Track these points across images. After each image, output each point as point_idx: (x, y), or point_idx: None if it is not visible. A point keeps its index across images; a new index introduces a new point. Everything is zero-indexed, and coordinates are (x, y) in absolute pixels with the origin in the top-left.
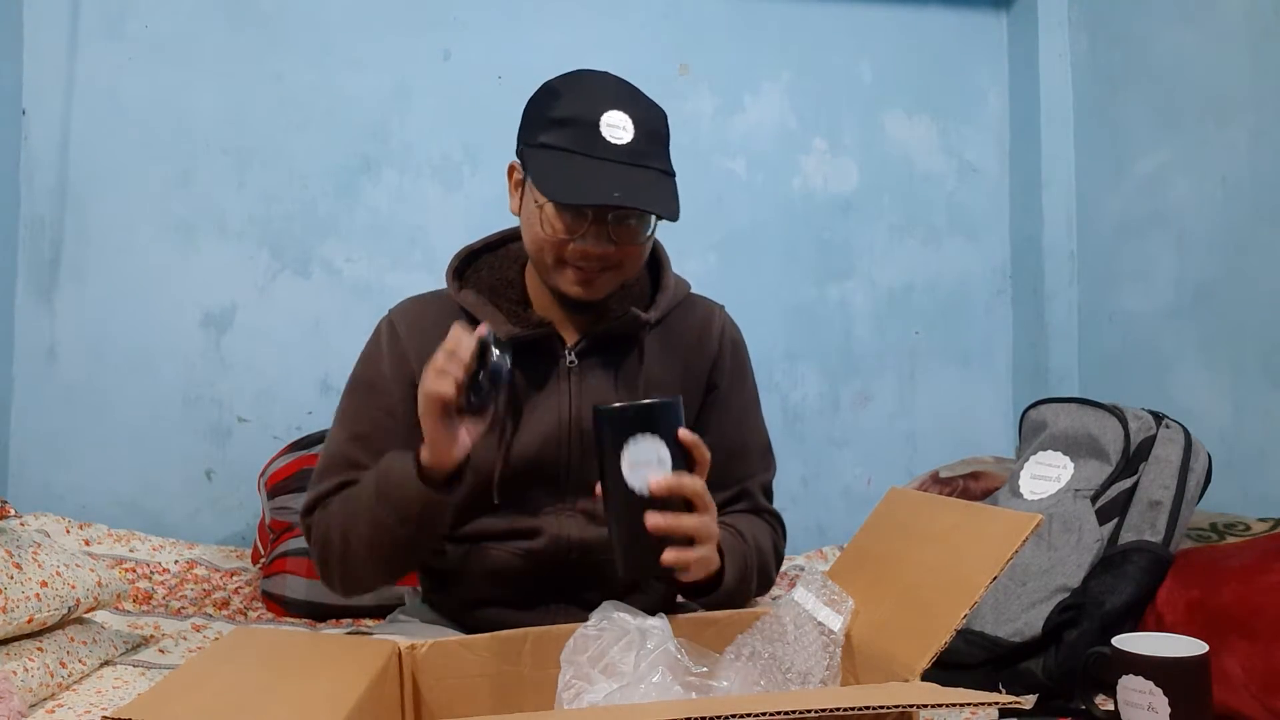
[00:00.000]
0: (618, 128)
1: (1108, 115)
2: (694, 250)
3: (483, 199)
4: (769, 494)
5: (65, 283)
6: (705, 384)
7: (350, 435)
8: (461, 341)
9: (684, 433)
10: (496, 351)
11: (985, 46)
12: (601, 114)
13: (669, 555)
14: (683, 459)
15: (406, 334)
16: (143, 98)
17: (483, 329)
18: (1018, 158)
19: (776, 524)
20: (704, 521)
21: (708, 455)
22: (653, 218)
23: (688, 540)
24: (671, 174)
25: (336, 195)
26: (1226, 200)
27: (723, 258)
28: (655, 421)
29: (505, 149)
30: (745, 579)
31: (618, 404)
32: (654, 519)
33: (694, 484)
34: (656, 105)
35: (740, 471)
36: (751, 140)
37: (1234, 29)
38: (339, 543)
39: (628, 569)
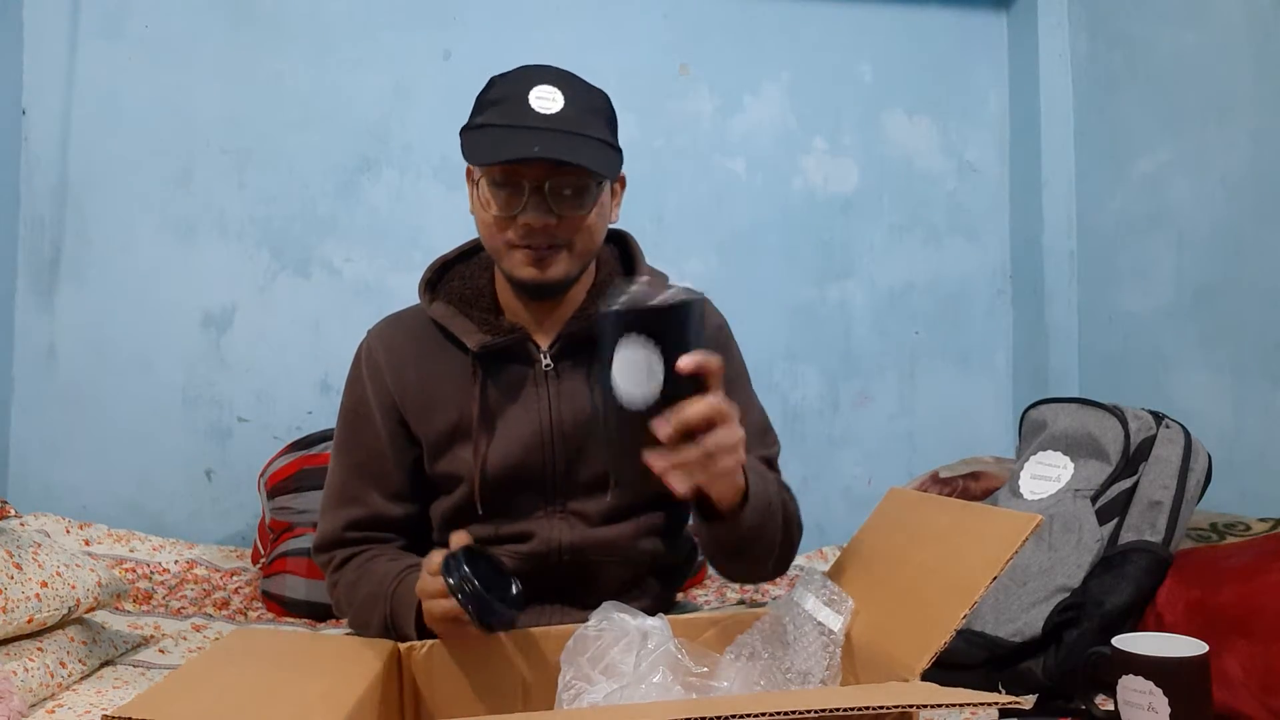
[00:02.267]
0: (546, 99)
1: (1108, 115)
2: (694, 250)
3: None
4: (775, 470)
5: (65, 283)
6: None
7: (346, 465)
8: (429, 585)
9: (684, 361)
10: (467, 566)
11: (985, 46)
12: (530, 88)
13: (653, 459)
14: (688, 378)
15: (384, 357)
16: (143, 98)
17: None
18: (1018, 158)
19: (791, 494)
20: (703, 448)
21: (714, 364)
22: (594, 187)
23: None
24: (614, 146)
25: (336, 195)
26: (1226, 200)
27: (723, 257)
28: (651, 327)
29: None
30: (771, 511)
31: (618, 307)
32: (652, 458)
33: (695, 411)
34: (597, 89)
35: None
36: (751, 140)
37: (1234, 29)
38: (356, 624)
39: (615, 477)
